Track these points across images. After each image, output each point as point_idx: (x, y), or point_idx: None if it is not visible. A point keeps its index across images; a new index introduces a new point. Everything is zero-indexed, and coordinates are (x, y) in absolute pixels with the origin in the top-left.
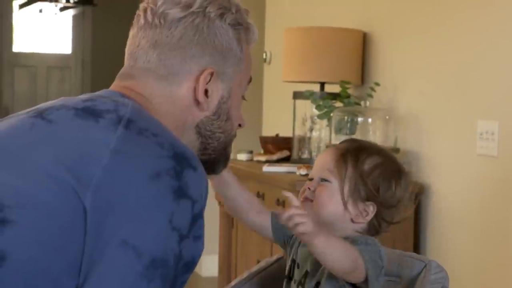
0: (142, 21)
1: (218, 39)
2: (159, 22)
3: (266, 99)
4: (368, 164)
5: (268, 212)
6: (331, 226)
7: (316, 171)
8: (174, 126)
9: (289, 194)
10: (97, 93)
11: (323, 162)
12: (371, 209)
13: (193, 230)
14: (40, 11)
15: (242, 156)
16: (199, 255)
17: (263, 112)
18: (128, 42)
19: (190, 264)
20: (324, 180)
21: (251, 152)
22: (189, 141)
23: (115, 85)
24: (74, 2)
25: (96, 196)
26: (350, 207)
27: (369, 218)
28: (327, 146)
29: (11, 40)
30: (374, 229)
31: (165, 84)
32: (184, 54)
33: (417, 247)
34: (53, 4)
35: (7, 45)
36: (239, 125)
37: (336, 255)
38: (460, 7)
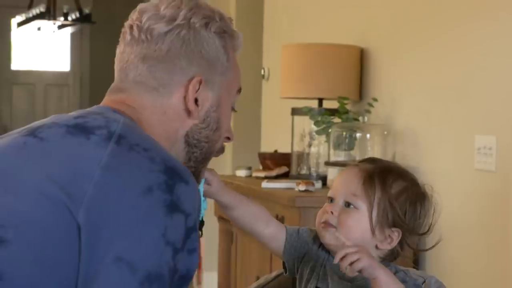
0: (128, 37)
1: (204, 48)
2: (146, 37)
3: (265, 115)
4: (395, 188)
5: (279, 225)
6: None
7: (338, 192)
8: (165, 136)
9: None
10: (88, 109)
11: (346, 183)
12: (396, 235)
13: (187, 244)
14: (38, 29)
15: (241, 173)
16: (194, 269)
17: (261, 128)
18: (116, 59)
19: (185, 278)
20: (349, 204)
21: (250, 168)
22: (178, 151)
23: (106, 100)
24: (72, 20)
25: (89, 212)
26: (377, 233)
27: (394, 244)
28: (326, 163)
29: (9, 58)
30: (396, 253)
31: (156, 96)
32: (172, 66)
33: (415, 262)
34: (51, 22)
35: (5, 63)
36: (228, 138)
37: None
38: (457, 23)
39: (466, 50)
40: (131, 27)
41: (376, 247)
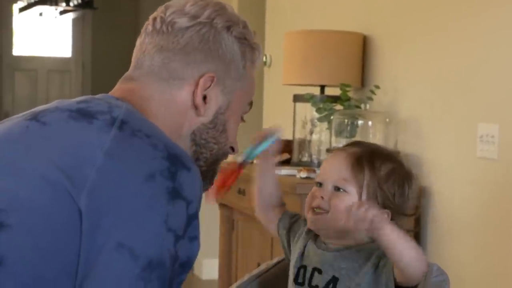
0: (150, 28)
1: (222, 49)
2: (167, 29)
3: (267, 102)
4: (383, 170)
5: (282, 209)
6: (347, 234)
7: (327, 177)
8: (170, 130)
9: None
10: (91, 96)
11: (335, 167)
12: (386, 216)
13: (188, 231)
14: (40, 14)
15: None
16: (195, 256)
17: (263, 115)
18: (135, 50)
19: (186, 265)
20: (339, 188)
21: None
22: (184, 148)
23: (116, 89)
24: (74, 6)
25: (90, 198)
26: None
27: None
28: (327, 150)
29: (11, 43)
30: None
31: (166, 87)
32: (187, 59)
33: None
34: (53, 7)
35: (7, 49)
36: (232, 149)
37: (404, 241)
38: (460, 12)
39: (470, 39)
40: (154, 19)
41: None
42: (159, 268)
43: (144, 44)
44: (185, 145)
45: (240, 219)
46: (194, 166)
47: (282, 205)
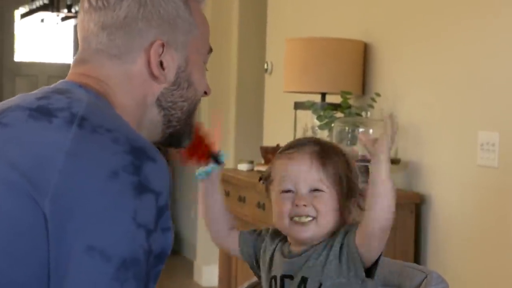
0: (86, 5)
1: (163, 8)
2: (103, 4)
3: (267, 109)
4: (342, 160)
5: (238, 230)
6: (327, 234)
7: (299, 183)
8: (134, 105)
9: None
10: (53, 86)
11: (305, 170)
12: (354, 205)
13: (160, 223)
14: (42, 20)
15: (243, 166)
16: (170, 246)
17: (264, 122)
18: (78, 27)
19: (161, 255)
20: (315, 190)
21: (252, 162)
22: (152, 117)
23: (71, 73)
24: (76, 12)
25: (55, 202)
26: (344, 209)
27: (353, 215)
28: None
29: (12, 49)
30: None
31: (119, 63)
32: (131, 31)
33: (417, 258)
34: (54, 13)
35: (8, 55)
36: (205, 93)
37: (392, 196)
38: (460, 18)
39: (470, 45)
40: None
41: (345, 221)
42: (134, 266)
43: (84, 22)
44: (152, 113)
45: (240, 226)
46: (159, 156)
47: (234, 227)
